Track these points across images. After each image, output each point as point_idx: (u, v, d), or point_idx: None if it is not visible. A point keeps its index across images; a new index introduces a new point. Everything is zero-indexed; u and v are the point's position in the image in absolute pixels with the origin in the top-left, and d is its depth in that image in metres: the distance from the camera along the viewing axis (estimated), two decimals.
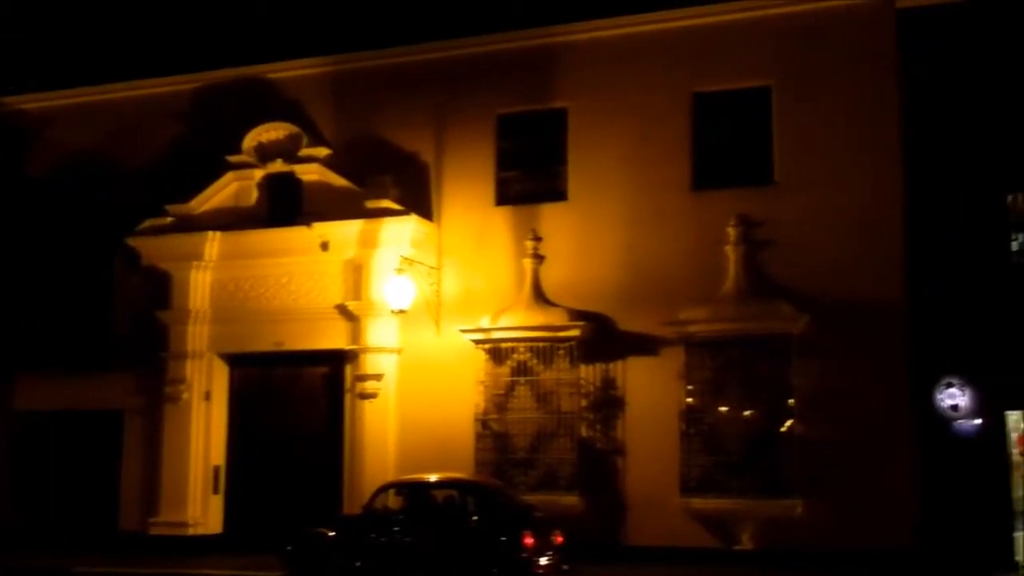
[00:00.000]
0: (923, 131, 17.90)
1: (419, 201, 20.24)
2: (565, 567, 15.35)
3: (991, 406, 17.25)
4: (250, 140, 20.98)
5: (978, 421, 17.20)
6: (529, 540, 14.82)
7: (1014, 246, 17.63)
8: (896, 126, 17.97)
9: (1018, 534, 16.79)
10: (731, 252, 18.34)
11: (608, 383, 18.84)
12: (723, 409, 17.94)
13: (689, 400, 18.10)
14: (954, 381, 17.22)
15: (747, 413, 17.82)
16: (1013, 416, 18.15)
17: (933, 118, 17.92)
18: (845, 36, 18.38)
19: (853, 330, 17.57)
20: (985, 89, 17.69)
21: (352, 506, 18.40)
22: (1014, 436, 18.13)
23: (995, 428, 17.36)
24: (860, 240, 17.80)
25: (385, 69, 21.07)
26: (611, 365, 18.87)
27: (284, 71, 21.80)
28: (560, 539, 15.49)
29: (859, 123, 18.15)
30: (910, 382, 17.34)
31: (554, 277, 19.31)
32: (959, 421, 17.23)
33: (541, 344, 18.92)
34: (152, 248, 21.05)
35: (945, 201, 17.69)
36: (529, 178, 20.13)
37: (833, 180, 18.10)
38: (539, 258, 19.31)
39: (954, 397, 17.19)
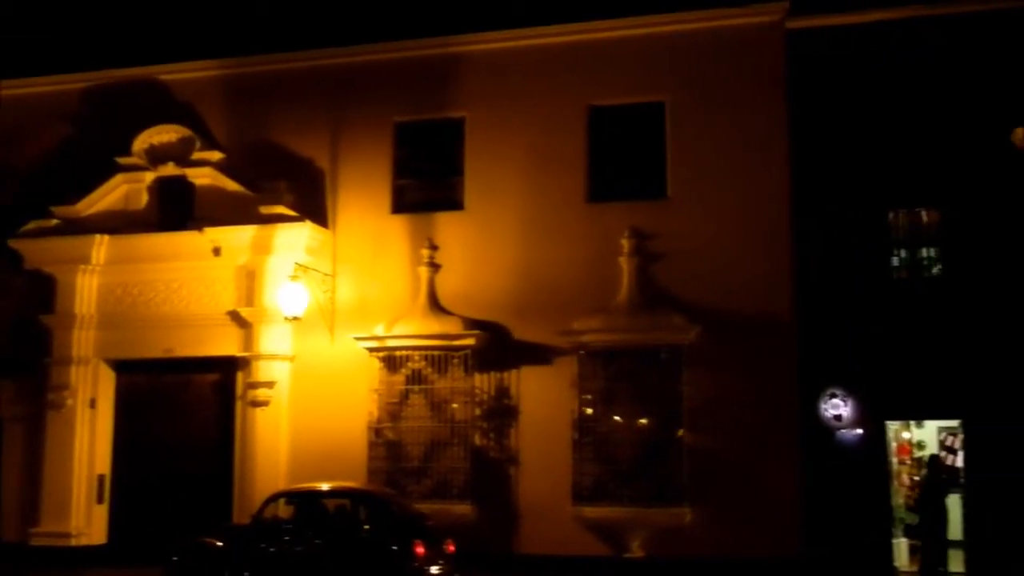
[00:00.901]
0: (810, 149, 18.31)
1: (314, 208, 20.02)
2: None
3: (872, 416, 17.76)
4: (141, 142, 20.52)
5: (860, 431, 17.68)
6: (420, 549, 14.75)
7: (895, 262, 18.21)
8: (784, 144, 18.36)
9: (897, 541, 17.29)
10: (625, 264, 18.54)
11: (502, 392, 18.87)
12: (615, 418, 18.12)
13: (582, 409, 18.23)
14: (837, 392, 17.66)
15: (639, 422, 18.03)
16: (893, 426, 18.76)
17: (820, 136, 18.33)
18: (737, 55, 18.74)
19: (742, 341, 17.89)
20: (870, 109, 18.19)
21: (242, 516, 18.06)
22: (894, 445, 18.74)
23: (876, 437, 17.86)
24: (749, 254, 18.14)
25: (281, 73, 20.82)
26: (505, 374, 18.90)
27: (177, 73, 21.37)
28: (452, 548, 15.45)
29: (749, 140, 18.51)
30: (796, 392, 17.72)
31: (450, 286, 19.29)
32: (842, 431, 17.69)
33: (436, 353, 18.86)
34: (36, 250, 20.40)
35: (831, 217, 18.14)
36: (426, 187, 20.08)
37: (724, 195, 18.43)
38: (435, 267, 19.28)
39: (837, 407, 17.63)
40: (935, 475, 17.41)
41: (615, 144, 19.37)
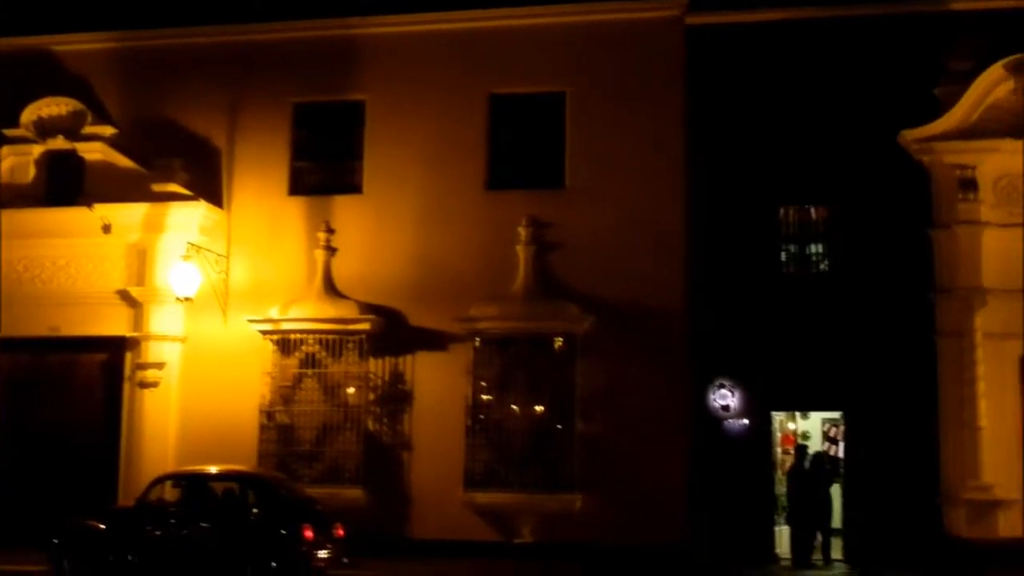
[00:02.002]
0: (706, 144, 18.65)
1: (209, 187, 19.67)
2: (345, 560, 15.22)
3: (759, 407, 18.21)
4: (29, 114, 19.86)
5: (746, 421, 18.11)
6: (309, 533, 14.65)
7: (784, 257, 18.68)
8: (681, 138, 18.64)
9: (779, 528, 17.76)
10: (522, 252, 18.62)
11: (397, 377, 18.82)
12: (509, 405, 18.21)
13: (476, 396, 18.29)
14: (726, 383, 18.08)
15: (532, 410, 18.16)
16: (779, 416, 19.26)
17: (716, 132, 18.68)
18: (638, 48, 18.93)
19: (635, 331, 18.11)
20: (765, 107, 18.57)
21: (128, 499, 17.61)
22: (779, 435, 19.25)
23: (762, 428, 18.34)
24: (644, 245, 18.35)
25: (178, 49, 20.36)
26: (401, 359, 18.85)
27: (70, 44, 20.74)
28: (341, 532, 15.35)
29: (647, 133, 18.72)
30: (687, 382, 18.03)
31: (346, 270, 19.13)
32: (729, 421, 18.10)
33: (331, 337, 18.71)
34: None
35: (724, 211, 18.51)
36: (324, 169, 19.87)
37: (620, 187, 18.62)
38: (331, 250, 19.10)
39: (725, 398, 18.04)
40: (819, 467, 17.96)
41: (515, 133, 19.39)
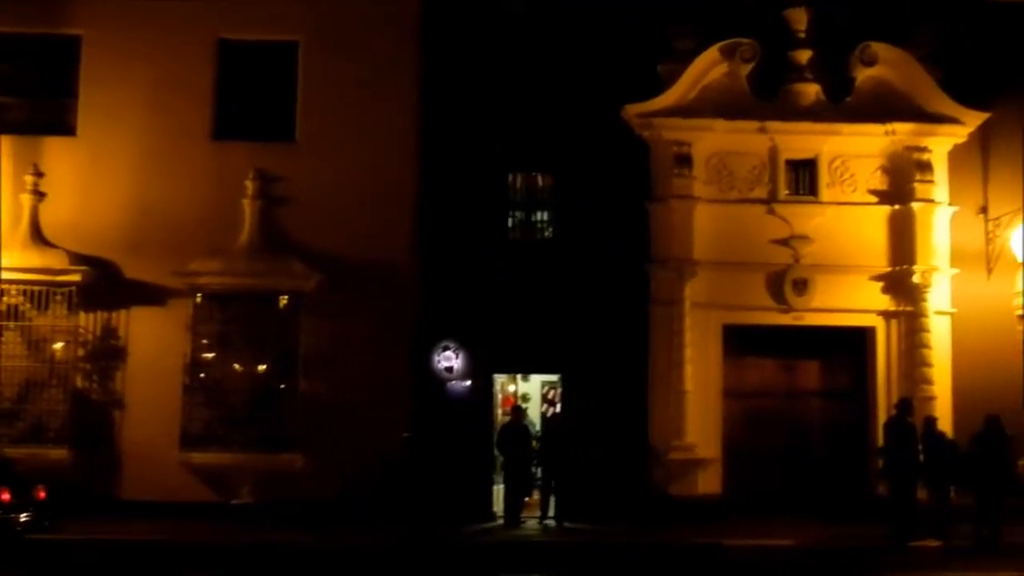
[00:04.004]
0: (441, 104, 18.62)
1: None
2: (46, 523, 14.39)
3: (481, 369, 18.55)
4: None
5: (469, 383, 18.43)
6: (6, 496, 13.74)
7: (511, 223, 19.05)
8: (415, 96, 18.56)
9: (496, 487, 18.22)
10: (248, 206, 18.13)
11: (109, 332, 17.91)
12: (230, 364, 17.75)
13: (196, 353, 17.71)
14: (450, 344, 18.29)
15: (254, 368, 17.77)
16: (500, 378, 19.75)
17: (451, 94, 18.69)
18: (374, 1, 18.69)
19: (363, 291, 17.99)
20: (498, 73, 18.77)
21: None
22: (500, 397, 19.73)
23: (484, 389, 18.72)
24: (374, 205, 18.23)
25: None
26: (114, 314, 17.96)
27: None
28: (43, 495, 14.46)
29: (381, 89, 18.53)
30: (412, 344, 18.13)
31: (56, 217, 17.89)
32: (453, 382, 18.36)
33: (36, 288, 17.50)
34: None
35: (456, 174, 18.59)
36: (33, 107, 18.50)
37: (352, 143, 18.39)
38: (40, 195, 17.80)
39: (449, 360, 18.25)
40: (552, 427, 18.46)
41: (245, 81, 18.79)
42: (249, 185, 18.13)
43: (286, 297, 17.85)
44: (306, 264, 17.92)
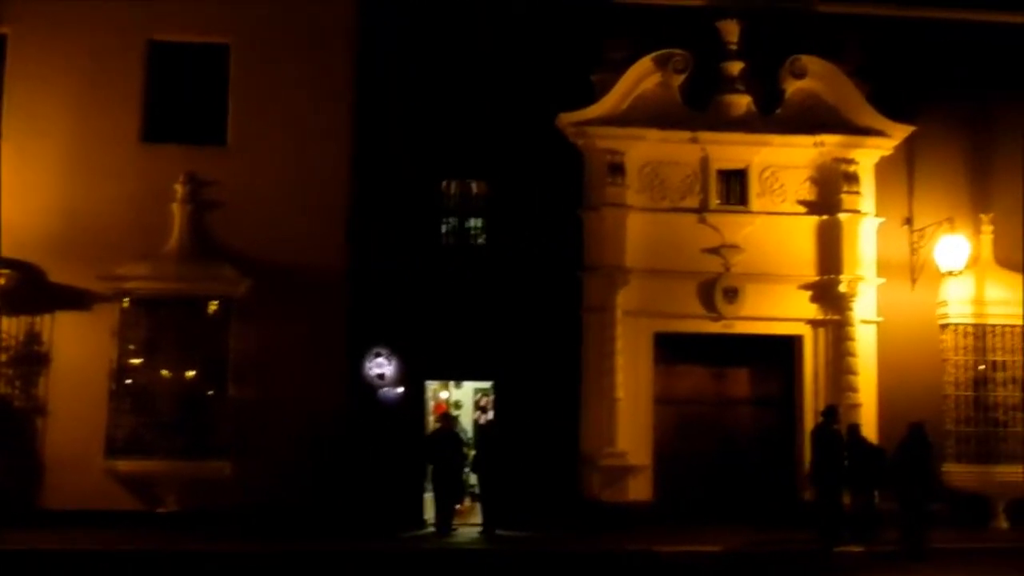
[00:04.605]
0: (375, 110, 18.48)
1: None
2: None
3: (413, 376, 18.41)
4: None
5: (401, 389, 18.27)
6: None
7: (444, 229, 18.94)
8: (349, 101, 18.40)
9: (428, 495, 18.04)
10: (177, 210, 17.83)
11: (32, 337, 17.46)
12: (158, 370, 17.38)
13: (122, 359, 17.33)
14: (382, 351, 18.13)
15: (182, 374, 17.42)
16: (432, 385, 19.62)
17: (386, 99, 18.54)
18: (309, 5, 18.48)
19: (295, 296, 17.78)
20: (433, 80, 18.65)
21: None
22: (432, 404, 19.59)
23: (416, 396, 18.58)
24: (307, 210, 18.02)
25: None
26: (38, 318, 17.50)
27: None
28: None
29: (315, 94, 18.35)
30: (344, 350, 17.92)
31: None
32: (385, 389, 18.18)
33: None
34: None
35: (389, 179, 18.43)
36: None
37: (285, 147, 18.19)
38: None
39: (381, 366, 18.08)
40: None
41: (176, 84, 18.46)
42: (179, 189, 17.83)
43: (216, 302, 17.57)
44: (237, 269, 17.65)
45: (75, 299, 17.47)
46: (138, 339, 17.39)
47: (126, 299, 17.34)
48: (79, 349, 17.41)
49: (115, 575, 13.57)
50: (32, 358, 17.41)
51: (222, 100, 18.44)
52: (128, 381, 17.31)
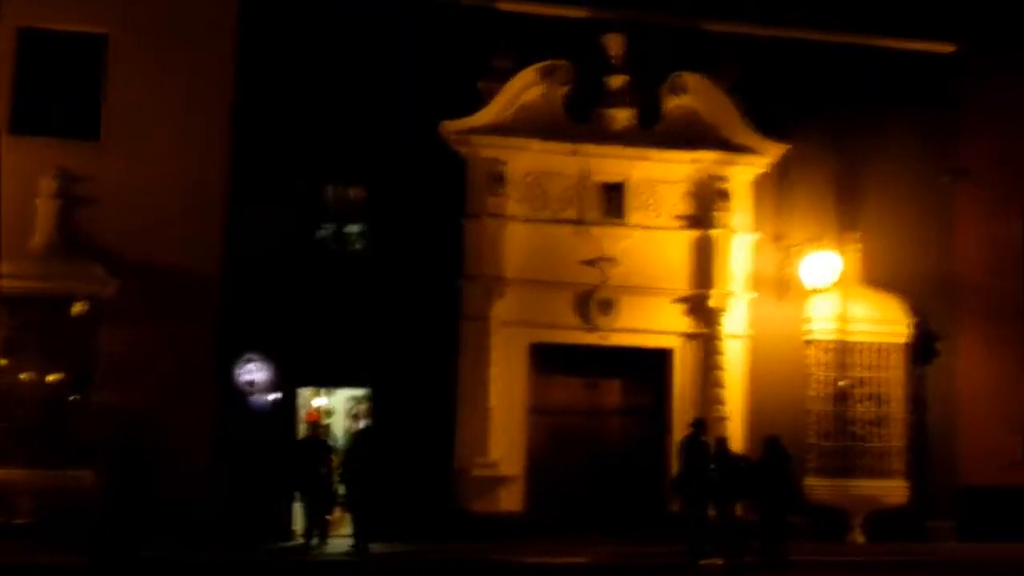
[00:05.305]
0: (256, 110, 18.09)
1: None
2: None
3: (285, 382, 18.05)
4: None
5: (274, 396, 17.89)
6: None
7: (322, 234, 18.65)
8: (228, 100, 18.04)
9: (296, 504, 17.70)
10: (45, 205, 17.22)
11: None
12: (18, 373, 16.70)
13: None
14: (254, 357, 17.70)
15: (47, 378, 16.80)
16: (305, 392, 19.28)
17: (267, 100, 18.18)
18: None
19: (168, 298, 17.37)
20: (316, 83, 18.34)
21: None
22: (304, 411, 19.23)
23: (287, 403, 18.24)
24: (183, 210, 17.66)
25: None
26: None
27: None
28: None
29: (194, 92, 17.98)
30: (216, 355, 17.56)
31: None
32: (256, 395, 17.79)
33: None
34: None
35: (268, 181, 18.06)
36: None
37: (161, 145, 17.76)
38: None
39: (252, 373, 17.63)
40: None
41: (47, 74, 17.82)
42: (48, 184, 17.21)
43: (83, 303, 16.93)
44: (107, 268, 17.11)
45: None
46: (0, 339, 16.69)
47: None
48: None
49: None
50: None
51: (97, 93, 17.90)
52: None
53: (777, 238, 19.67)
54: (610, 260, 18.74)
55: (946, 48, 20.52)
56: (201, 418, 17.30)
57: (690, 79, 19.11)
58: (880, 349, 19.36)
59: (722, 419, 18.36)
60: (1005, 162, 20.70)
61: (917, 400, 19.63)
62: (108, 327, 17.04)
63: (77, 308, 16.85)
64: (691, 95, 19.14)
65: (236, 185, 17.95)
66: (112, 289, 17.09)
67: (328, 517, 17.18)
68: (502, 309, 18.26)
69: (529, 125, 18.58)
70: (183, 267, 17.52)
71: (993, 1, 20.64)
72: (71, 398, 16.82)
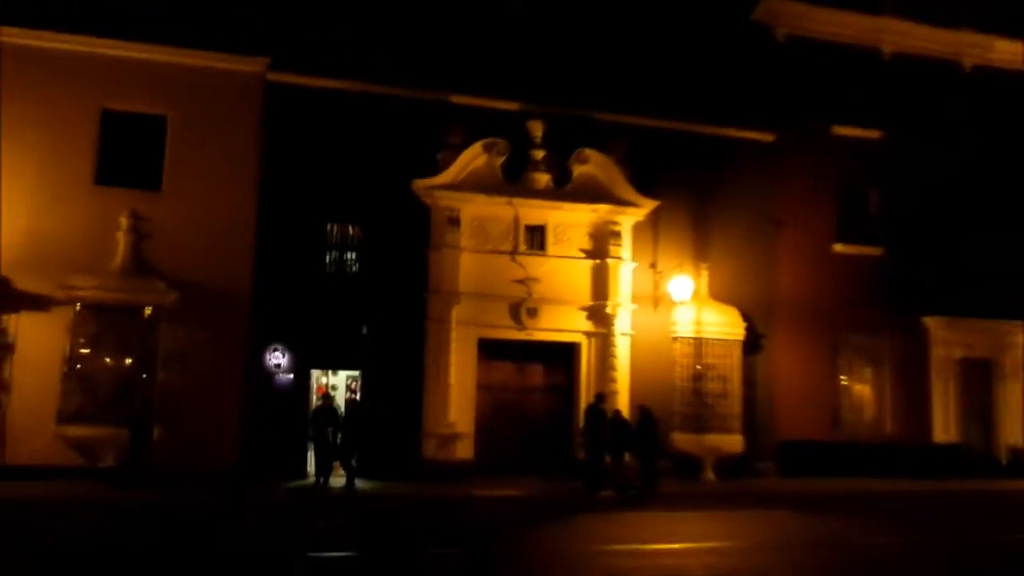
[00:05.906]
0: (278, 168, 18.46)
1: None
2: None
3: (302, 366, 18.46)
4: None
5: (292, 376, 18.30)
6: None
7: (327, 259, 19.01)
8: (256, 161, 18.38)
9: (310, 453, 18.08)
10: (122, 237, 17.49)
11: (0, 332, 16.77)
12: (102, 359, 16.93)
13: (73, 350, 16.79)
14: (279, 347, 18.15)
15: (121, 363, 17.04)
16: (316, 372, 19.63)
17: (287, 159, 18.51)
18: (228, 89, 18.42)
19: (211, 306, 17.66)
20: (322, 147, 18.76)
21: None
22: (315, 386, 19.61)
23: (303, 381, 18.62)
24: (223, 242, 17.98)
25: None
26: (5, 317, 16.82)
27: None
28: None
29: (231, 156, 18.29)
30: (248, 347, 17.85)
31: None
32: (280, 375, 18.21)
33: None
34: None
35: (288, 221, 18.43)
36: None
37: (206, 195, 18.06)
38: None
39: (277, 358, 18.10)
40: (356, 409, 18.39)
41: (123, 142, 18.03)
42: (123, 221, 17.50)
43: (150, 308, 17.28)
44: (167, 284, 17.41)
45: (37, 303, 16.90)
46: (87, 335, 16.91)
47: (78, 304, 16.88)
48: (39, 342, 16.84)
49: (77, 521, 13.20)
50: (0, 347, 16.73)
51: (159, 156, 18.15)
52: (78, 367, 16.80)
53: (651, 266, 20.37)
54: (534, 280, 19.20)
55: (768, 137, 21.60)
56: (234, 391, 17.63)
57: (591, 153, 19.69)
58: (724, 344, 20.08)
59: (614, 393, 18.94)
60: (812, 215, 21.71)
61: (748, 380, 20.48)
62: (167, 327, 17.38)
63: (146, 312, 17.20)
64: (591, 164, 19.70)
65: (262, 224, 18.30)
66: (171, 299, 17.41)
67: (333, 463, 17.55)
68: (458, 314, 18.66)
69: (476, 184, 19.00)
70: (223, 283, 17.83)
71: (802, 102, 21.86)
72: (140, 377, 17.08)
